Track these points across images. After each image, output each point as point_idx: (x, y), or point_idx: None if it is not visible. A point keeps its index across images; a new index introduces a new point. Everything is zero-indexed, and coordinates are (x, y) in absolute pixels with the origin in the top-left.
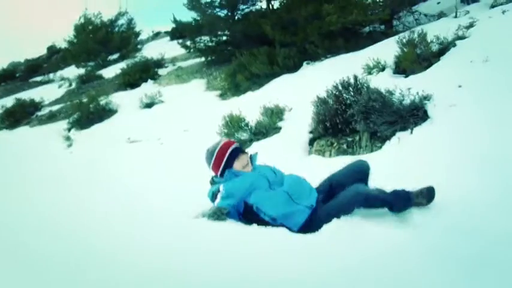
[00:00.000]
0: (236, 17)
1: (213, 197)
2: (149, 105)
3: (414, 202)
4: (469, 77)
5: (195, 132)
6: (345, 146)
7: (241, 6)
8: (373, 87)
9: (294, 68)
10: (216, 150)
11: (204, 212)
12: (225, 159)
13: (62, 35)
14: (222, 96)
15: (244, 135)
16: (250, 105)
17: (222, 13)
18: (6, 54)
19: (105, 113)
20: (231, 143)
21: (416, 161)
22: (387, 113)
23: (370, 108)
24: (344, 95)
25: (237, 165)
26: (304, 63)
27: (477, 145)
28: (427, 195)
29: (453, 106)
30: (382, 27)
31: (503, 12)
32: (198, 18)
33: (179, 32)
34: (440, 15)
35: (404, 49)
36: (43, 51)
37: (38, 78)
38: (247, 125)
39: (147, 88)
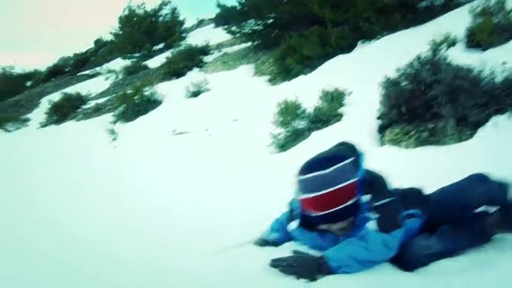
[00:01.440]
0: None
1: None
2: (195, 94)
3: None
4: None
5: (245, 122)
6: (426, 134)
7: None
8: (455, 63)
9: (348, 47)
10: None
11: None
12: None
13: (109, 29)
14: (272, 81)
15: (301, 124)
16: (303, 90)
17: None
18: (58, 50)
19: (150, 104)
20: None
21: None
22: (478, 93)
23: (457, 88)
24: (422, 73)
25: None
26: (359, 42)
27: None
28: None
29: None
30: (440, 0)
31: None
32: (244, 1)
33: (224, 17)
34: None
35: (478, 19)
36: (91, 45)
37: (86, 72)
38: (304, 112)
39: (193, 76)
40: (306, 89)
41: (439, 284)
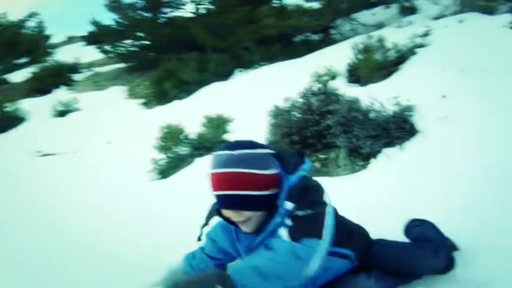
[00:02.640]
0: (160, 21)
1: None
2: (63, 114)
3: None
4: (449, 87)
5: (120, 145)
6: (318, 165)
7: (165, 10)
8: (348, 96)
9: (226, 75)
10: None
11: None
12: None
13: None
14: (146, 104)
15: (184, 150)
16: (180, 115)
17: (145, 16)
18: None
19: (11, 121)
20: None
21: (415, 185)
22: (371, 125)
23: (351, 119)
24: (314, 103)
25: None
26: (236, 71)
27: (490, 164)
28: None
29: (445, 118)
30: (317, 36)
31: (460, 21)
32: (120, 20)
33: (96, 36)
34: (380, 25)
35: (359, 56)
36: None
37: None
38: (186, 137)
39: (61, 95)
40: (183, 115)
41: None
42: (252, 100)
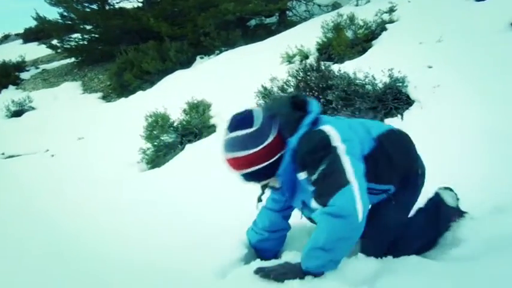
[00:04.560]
0: (109, 12)
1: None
2: (19, 113)
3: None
4: (432, 58)
5: (93, 139)
6: None
7: (112, 1)
8: (342, 71)
9: (188, 63)
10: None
11: None
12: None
13: None
14: (106, 98)
15: (170, 138)
16: (149, 105)
17: (92, 8)
18: None
19: None
20: None
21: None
22: (369, 98)
23: (351, 93)
24: (312, 80)
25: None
26: (198, 57)
27: (487, 126)
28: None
29: (437, 87)
30: (274, 19)
31: None
32: (66, 14)
33: (40, 32)
34: (335, 5)
35: (329, 34)
36: None
37: None
38: (172, 125)
39: (11, 95)
40: (153, 104)
41: None
42: (227, 84)
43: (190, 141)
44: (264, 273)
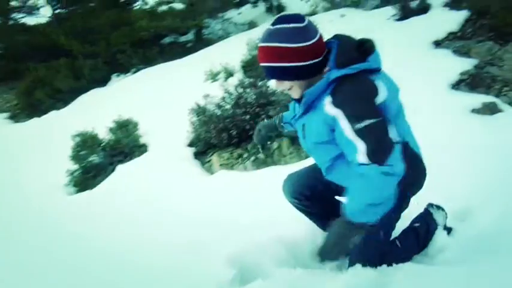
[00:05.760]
0: (13, 27)
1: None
2: None
3: None
4: None
5: (7, 162)
6: (262, 156)
7: (16, 15)
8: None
9: (103, 81)
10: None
11: None
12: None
13: None
14: (14, 118)
15: (100, 158)
16: (66, 125)
17: None
18: None
19: None
20: None
21: None
22: None
23: None
24: (251, 97)
25: None
26: (113, 76)
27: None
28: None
29: None
30: (190, 36)
31: (342, 16)
32: None
33: None
34: (251, 24)
35: (254, 52)
36: None
37: None
38: (100, 144)
39: None
40: (70, 124)
41: None
42: (150, 102)
43: (121, 162)
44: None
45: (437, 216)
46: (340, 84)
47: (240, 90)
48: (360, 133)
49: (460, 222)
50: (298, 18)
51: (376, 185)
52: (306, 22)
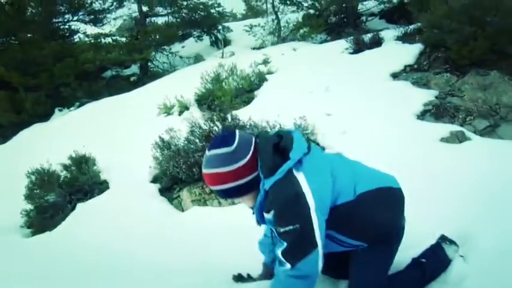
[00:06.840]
0: None
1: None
2: None
3: None
4: (328, 106)
5: None
6: None
7: None
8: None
9: (46, 115)
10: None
11: None
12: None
13: None
14: None
15: (58, 197)
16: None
17: None
18: None
19: None
20: None
21: None
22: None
23: None
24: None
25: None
26: (57, 110)
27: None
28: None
29: (344, 133)
30: (136, 70)
31: (295, 49)
32: None
33: None
34: (197, 57)
35: (208, 85)
36: None
37: None
38: (58, 182)
39: None
40: (10, 162)
41: None
42: (103, 138)
43: (81, 200)
44: None
45: (449, 251)
46: (270, 191)
47: (210, 124)
48: (281, 236)
49: None
50: (227, 141)
51: (283, 285)
52: (235, 144)
